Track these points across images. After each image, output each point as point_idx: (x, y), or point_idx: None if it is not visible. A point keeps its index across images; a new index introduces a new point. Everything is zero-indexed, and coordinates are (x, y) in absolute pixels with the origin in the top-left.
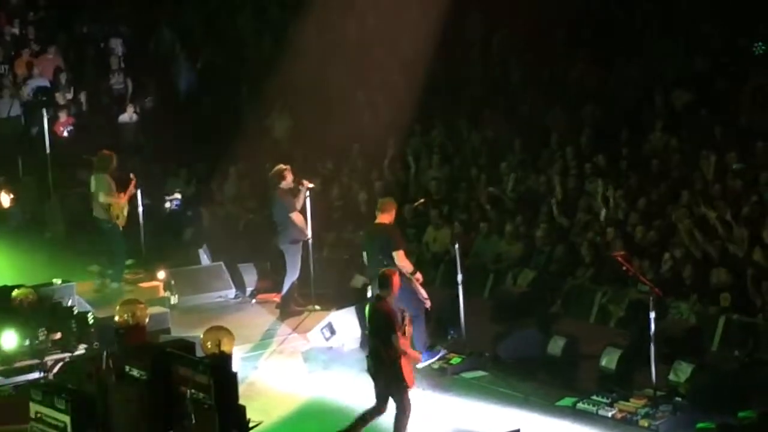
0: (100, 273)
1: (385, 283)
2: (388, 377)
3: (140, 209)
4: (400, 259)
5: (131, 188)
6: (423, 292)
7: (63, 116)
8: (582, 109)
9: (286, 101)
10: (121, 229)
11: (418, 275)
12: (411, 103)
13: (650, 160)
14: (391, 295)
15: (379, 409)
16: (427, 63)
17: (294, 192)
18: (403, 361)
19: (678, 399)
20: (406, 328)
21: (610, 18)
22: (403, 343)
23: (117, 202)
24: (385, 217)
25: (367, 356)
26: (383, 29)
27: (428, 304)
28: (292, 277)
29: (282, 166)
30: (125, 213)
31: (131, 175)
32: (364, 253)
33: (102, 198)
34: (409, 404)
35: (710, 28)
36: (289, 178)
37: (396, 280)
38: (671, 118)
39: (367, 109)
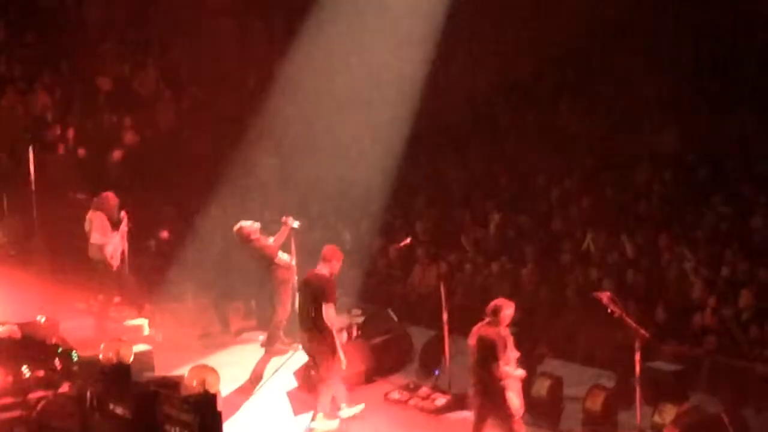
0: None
1: (496, 311)
2: (496, 406)
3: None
4: (328, 311)
5: (124, 226)
6: (341, 352)
7: (49, 153)
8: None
9: (272, 140)
10: (114, 268)
11: (344, 333)
12: (397, 142)
13: (637, 201)
14: (500, 325)
15: None
16: (413, 104)
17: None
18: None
19: None
20: None
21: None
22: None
23: (110, 242)
24: (325, 267)
25: (473, 385)
26: (369, 70)
27: (344, 365)
28: (280, 315)
29: (244, 224)
30: (119, 252)
31: (122, 213)
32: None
33: (93, 239)
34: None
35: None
36: (254, 234)
37: (507, 311)
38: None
39: (353, 148)
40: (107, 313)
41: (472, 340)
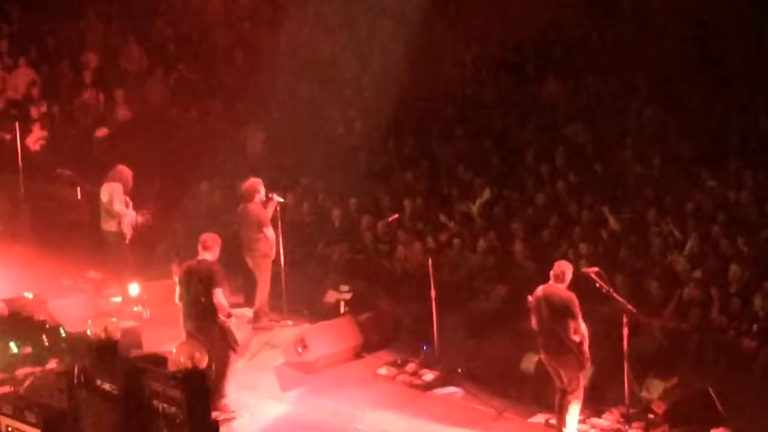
0: None
1: (562, 273)
2: (571, 360)
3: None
4: (219, 297)
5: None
6: (235, 336)
7: (35, 130)
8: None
9: (260, 116)
10: (126, 241)
11: (233, 318)
12: (384, 119)
13: (624, 177)
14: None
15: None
16: (399, 79)
17: (265, 206)
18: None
19: (651, 416)
20: None
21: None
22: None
23: (127, 214)
24: (209, 254)
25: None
26: (355, 46)
27: (238, 350)
28: (263, 291)
29: (255, 179)
30: (131, 226)
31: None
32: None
33: (117, 208)
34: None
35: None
36: (262, 191)
37: (570, 273)
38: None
39: (340, 125)
40: (102, 289)
41: (535, 302)
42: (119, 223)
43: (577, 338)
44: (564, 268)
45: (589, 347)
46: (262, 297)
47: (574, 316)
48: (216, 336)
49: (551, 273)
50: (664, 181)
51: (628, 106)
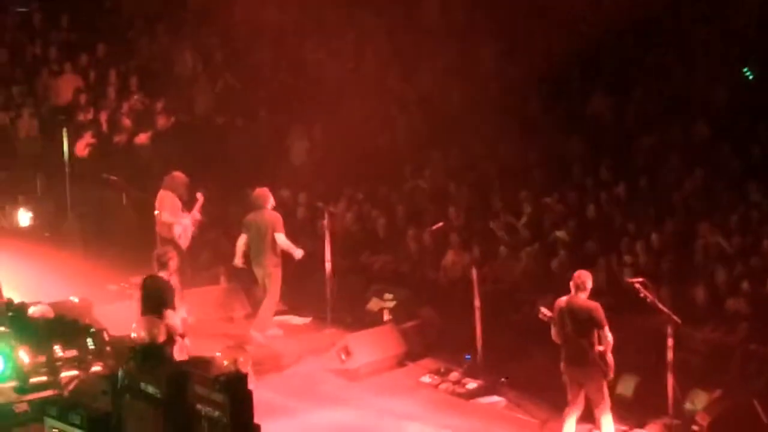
0: None
1: (583, 284)
2: (594, 373)
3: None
4: (173, 317)
5: (197, 210)
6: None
7: (85, 136)
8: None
9: (304, 126)
10: (182, 249)
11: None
12: (428, 131)
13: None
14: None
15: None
16: (443, 92)
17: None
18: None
19: (694, 427)
20: None
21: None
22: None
23: (179, 222)
24: (164, 272)
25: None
26: (399, 59)
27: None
28: (272, 301)
29: (265, 188)
30: (188, 233)
31: (198, 195)
32: None
33: (164, 217)
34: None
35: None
36: (272, 199)
37: (590, 283)
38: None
39: (384, 135)
40: None
41: (558, 314)
42: (171, 230)
43: (601, 347)
44: (584, 278)
45: (614, 356)
46: (270, 307)
47: (600, 325)
48: None
49: (572, 284)
50: (710, 194)
51: (675, 119)
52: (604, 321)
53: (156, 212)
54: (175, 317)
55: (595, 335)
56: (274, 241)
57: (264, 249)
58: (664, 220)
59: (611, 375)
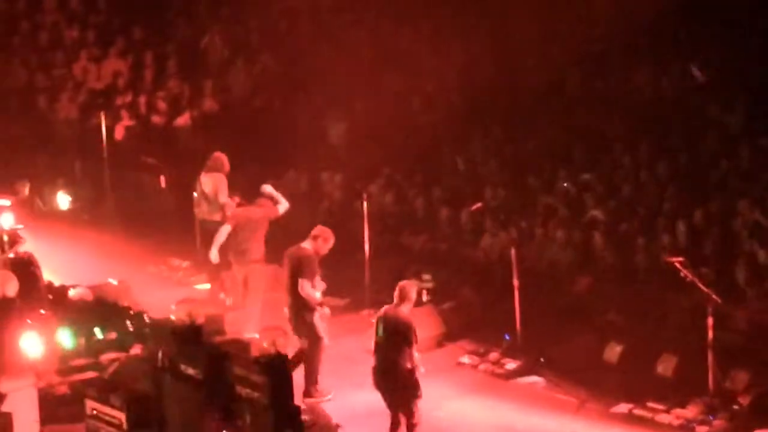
0: None
1: (405, 297)
2: (399, 388)
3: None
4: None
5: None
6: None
7: (124, 119)
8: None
9: (342, 106)
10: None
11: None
12: (467, 110)
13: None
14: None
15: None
16: (482, 70)
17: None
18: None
19: (735, 407)
20: None
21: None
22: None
23: (231, 205)
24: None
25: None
26: (437, 37)
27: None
28: (256, 300)
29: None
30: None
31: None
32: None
33: (221, 198)
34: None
35: None
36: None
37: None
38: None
39: (422, 115)
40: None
41: (376, 319)
42: (224, 210)
43: (409, 365)
44: (408, 289)
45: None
46: (255, 306)
47: (409, 343)
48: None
49: (395, 293)
50: (750, 172)
51: (714, 98)
52: (415, 340)
53: (195, 194)
54: (308, 287)
55: (405, 352)
56: (262, 236)
57: (249, 242)
58: (705, 200)
59: (419, 395)
